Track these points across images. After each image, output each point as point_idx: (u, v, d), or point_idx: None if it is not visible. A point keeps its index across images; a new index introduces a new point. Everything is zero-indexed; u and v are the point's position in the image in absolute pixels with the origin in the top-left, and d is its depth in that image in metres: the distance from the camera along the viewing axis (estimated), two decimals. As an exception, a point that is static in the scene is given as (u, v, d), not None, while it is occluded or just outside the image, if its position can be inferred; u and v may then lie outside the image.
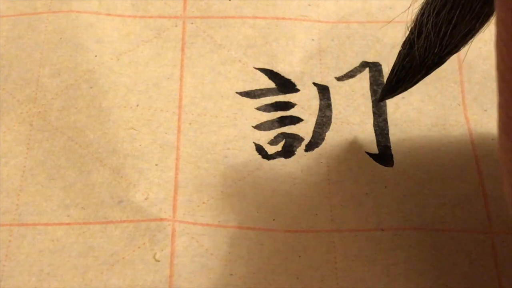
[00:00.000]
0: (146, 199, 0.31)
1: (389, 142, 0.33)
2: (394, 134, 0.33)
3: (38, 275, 0.29)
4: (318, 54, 0.35)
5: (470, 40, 0.28)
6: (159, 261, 0.29)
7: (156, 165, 0.32)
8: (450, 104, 0.34)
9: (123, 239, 0.30)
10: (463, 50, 0.35)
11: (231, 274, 0.29)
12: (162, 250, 0.30)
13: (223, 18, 0.37)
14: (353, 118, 0.34)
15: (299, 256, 0.30)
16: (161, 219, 0.30)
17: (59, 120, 0.33)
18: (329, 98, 0.34)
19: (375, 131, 0.33)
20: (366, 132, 0.33)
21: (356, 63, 0.35)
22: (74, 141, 0.33)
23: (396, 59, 0.30)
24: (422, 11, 0.28)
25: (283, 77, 0.35)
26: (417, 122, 0.34)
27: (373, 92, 0.34)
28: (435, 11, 0.27)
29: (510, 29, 0.20)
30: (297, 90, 0.34)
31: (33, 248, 0.30)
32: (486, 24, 0.27)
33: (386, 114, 0.34)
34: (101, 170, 0.32)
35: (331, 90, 0.34)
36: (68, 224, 0.30)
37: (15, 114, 0.33)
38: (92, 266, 0.29)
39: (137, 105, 0.34)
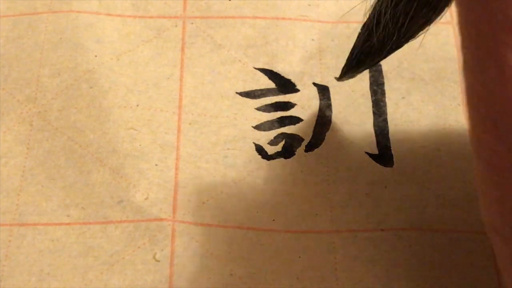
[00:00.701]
0: (146, 199, 0.31)
1: (389, 142, 0.33)
2: (394, 134, 0.33)
3: (38, 275, 0.29)
4: (318, 54, 0.35)
5: (427, 28, 0.28)
6: (159, 261, 0.29)
7: (156, 165, 0.32)
8: (450, 104, 0.34)
9: (123, 239, 0.30)
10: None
11: (231, 274, 0.29)
12: (162, 250, 0.30)
13: (223, 18, 0.37)
14: (353, 118, 0.34)
15: (299, 257, 0.30)
16: (161, 219, 0.30)
17: (59, 120, 0.33)
18: (329, 98, 0.34)
19: (375, 131, 0.33)
20: (366, 132, 0.33)
21: (356, 63, 0.35)
22: (74, 141, 0.33)
23: (356, 41, 0.30)
24: (381, 0, 0.28)
25: (283, 77, 0.35)
26: (417, 122, 0.34)
27: (373, 92, 0.34)
28: (393, 3, 0.27)
29: (471, 35, 0.20)
30: (297, 90, 0.34)
31: (33, 248, 0.30)
32: (442, 14, 0.27)
33: (386, 114, 0.34)
34: (101, 170, 0.32)
35: (331, 90, 0.34)
36: (68, 224, 0.30)
37: (15, 114, 0.33)
38: (92, 266, 0.29)
39: (137, 105, 0.34)
